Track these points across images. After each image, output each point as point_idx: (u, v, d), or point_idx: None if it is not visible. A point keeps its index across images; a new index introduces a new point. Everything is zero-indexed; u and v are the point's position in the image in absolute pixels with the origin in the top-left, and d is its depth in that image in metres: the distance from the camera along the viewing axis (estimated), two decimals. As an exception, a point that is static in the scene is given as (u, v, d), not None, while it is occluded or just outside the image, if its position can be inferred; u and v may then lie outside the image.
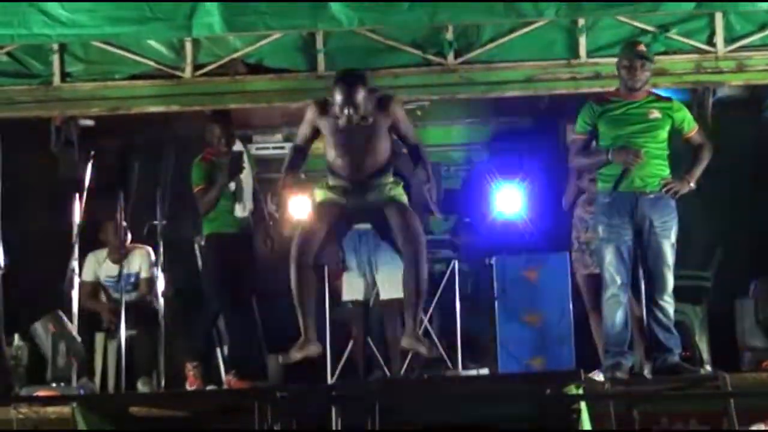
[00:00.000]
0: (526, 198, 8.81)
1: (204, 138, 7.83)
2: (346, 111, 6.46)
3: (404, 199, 6.71)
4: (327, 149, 6.75)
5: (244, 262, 7.74)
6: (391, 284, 7.30)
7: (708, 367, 7.37)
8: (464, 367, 8.05)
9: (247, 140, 9.63)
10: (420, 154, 6.72)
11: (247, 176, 7.83)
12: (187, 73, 7.75)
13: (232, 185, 7.72)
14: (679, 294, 6.85)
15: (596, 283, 7.00)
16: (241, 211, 7.78)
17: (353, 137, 6.59)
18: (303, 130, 6.80)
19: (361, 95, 6.47)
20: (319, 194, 6.76)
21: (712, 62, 7.52)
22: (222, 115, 7.86)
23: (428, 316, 8.09)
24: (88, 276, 8.01)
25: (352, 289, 7.70)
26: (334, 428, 5.73)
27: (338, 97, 6.48)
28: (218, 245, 7.67)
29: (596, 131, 6.79)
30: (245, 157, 7.79)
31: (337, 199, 6.67)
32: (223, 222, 7.72)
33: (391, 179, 6.70)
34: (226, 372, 7.66)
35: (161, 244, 7.44)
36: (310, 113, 6.73)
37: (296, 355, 6.65)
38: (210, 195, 7.62)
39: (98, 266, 8.19)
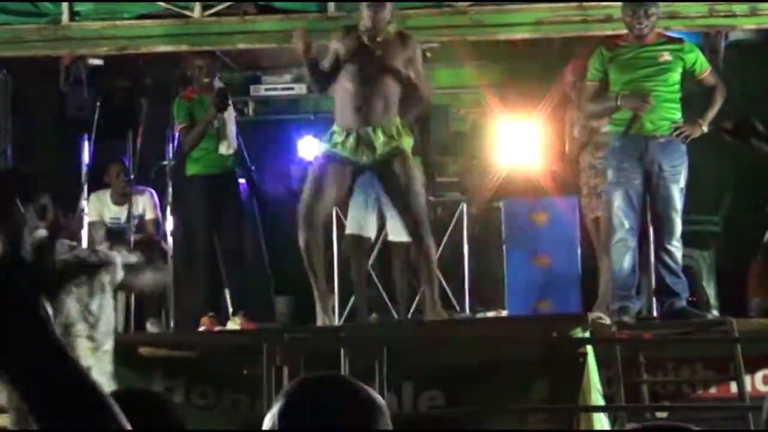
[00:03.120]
0: (535, 141, 8.78)
1: (185, 76, 7.82)
2: (369, 21, 6.48)
3: (408, 149, 6.66)
4: (338, 85, 6.68)
5: (229, 203, 7.75)
6: (399, 228, 7.29)
7: (715, 312, 7.39)
8: (472, 310, 8.07)
9: (256, 81, 9.61)
10: (418, 102, 6.71)
11: (232, 117, 7.81)
12: (196, 12, 7.70)
13: (215, 122, 7.68)
14: (687, 239, 6.85)
15: (606, 226, 7.03)
16: (225, 148, 7.75)
17: (368, 64, 6.53)
18: (327, 58, 6.75)
19: (386, 10, 6.53)
20: (324, 146, 6.68)
21: (725, 5, 7.45)
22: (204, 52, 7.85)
23: (437, 257, 8.10)
24: (92, 216, 8.04)
25: (356, 223, 7.65)
26: (342, 370, 5.77)
27: (364, 11, 6.54)
28: (202, 187, 7.67)
29: (608, 77, 6.75)
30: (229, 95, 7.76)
31: (343, 156, 6.59)
32: (207, 163, 7.70)
33: (398, 122, 6.66)
34: (234, 313, 7.69)
35: (170, 184, 7.45)
36: (334, 39, 6.71)
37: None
38: (194, 132, 7.59)
39: (102, 207, 8.19)
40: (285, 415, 1.96)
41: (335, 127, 6.64)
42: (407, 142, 6.63)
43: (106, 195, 8.20)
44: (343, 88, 6.62)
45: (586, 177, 7.38)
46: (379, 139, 6.51)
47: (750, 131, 4.85)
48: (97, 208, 8.13)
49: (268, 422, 1.98)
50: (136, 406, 2.22)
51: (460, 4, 7.62)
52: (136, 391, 2.65)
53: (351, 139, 6.51)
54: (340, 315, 7.86)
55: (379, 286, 8.01)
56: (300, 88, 9.38)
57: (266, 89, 9.60)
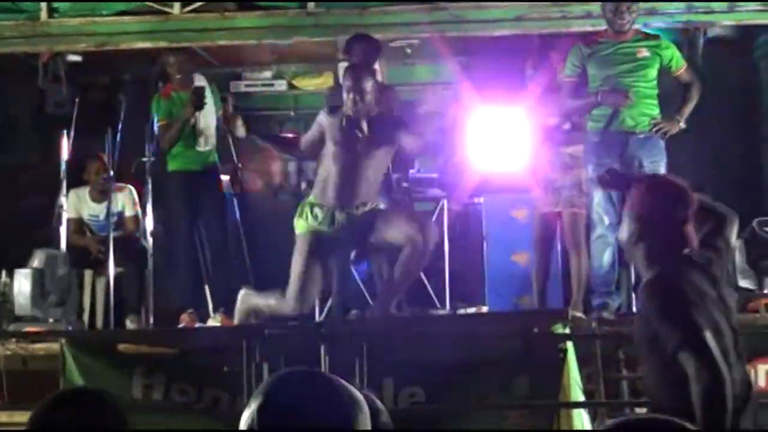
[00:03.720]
0: (516, 137, 8.77)
1: (165, 72, 7.81)
2: (352, 96, 6.43)
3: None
4: (323, 160, 6.65)
5: (209, 199, 7.74)
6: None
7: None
8: (452, 307, 8.07)
9: (236, 77, 9.59)
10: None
11: (210, 113, 7.78)
12: (176, 9, 7.68)
13: (193, 120, 7.66)
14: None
15: (547, 221, 7.07)
16: (203, 143, 7.74)
17: (352, 148, 6.48)
18: (310, 132, 6.71)
19: (369, 84, 6.47)
20: (301, 225, 6.60)
21: (703, 2, 7.48)
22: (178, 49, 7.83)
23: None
24: (70, 213, 8.00)
25: None
26: (322, 366, 5.76)
27: (346, 83, 6.50)
28: (183, 183, 7.66)
29: (586, 73, 6.77)
30: (208, 93, 7.72)
31: (326, 234, 6.54)
32: (187, 159, 7.69)
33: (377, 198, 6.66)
34: (214, 310, 7.67)
35: (150, 180, 7.43)
36: (321, 115, 6.65)
37: None
38: (172, 131, 7.58)
39: (80, 204, 8.16)
40: (264, 411, 1.95)
41: (313, 199, 6.59)
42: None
43: (85, 192, 8.16)
44: (325, 167, 6.58)
45: (543, 171, 7.30)
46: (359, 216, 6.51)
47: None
48: (76, 204, 8.08)
49: (246, 419, 1.97)
50: (80, 406, 2.22)
51: (440, 0, 7.62)
52: (81, 391, 2.64)
53: (330, 217, 6.49)
54: (321, 311, 7.85)
55: (360, 283, 8.00)
56: (280, 84, 9.38)
57: (246, 85, 9.59)
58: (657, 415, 1.92)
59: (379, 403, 2.57)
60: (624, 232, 4.05)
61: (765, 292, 7.20)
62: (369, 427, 2.00)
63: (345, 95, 6.50)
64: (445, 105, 8.76)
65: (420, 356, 6.27)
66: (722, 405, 3.65)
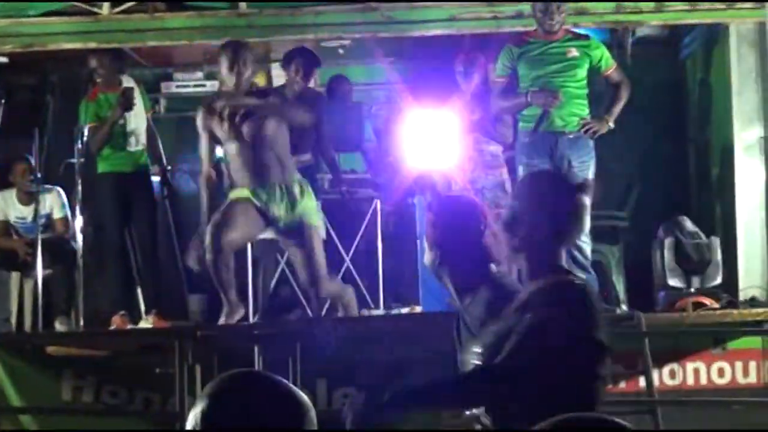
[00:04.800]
0: (448, 137, 8.80)
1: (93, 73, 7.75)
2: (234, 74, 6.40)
3: (315, 218, 6.55)
4: (228, 154, 6.60)
5: (140, 200, 7.68)
6: None
7: (624, 307, 7.49)
8: (386, 307, 8.08)
9: (167, 78, 9.52)
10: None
11: (140, 113, 7.73)
12: (105, 9, 7.61)
13: (123, 121, 7.60)
14: (595, 234, 6.93)
15: None
16: (134, 144, 7.68)
17: (244, 124, 6.44)
18: (202, 144, 6.62)
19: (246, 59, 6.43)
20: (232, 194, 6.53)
21: (631, 2, 7.56)
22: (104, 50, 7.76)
23: (350, 255, 8.11)
24: None
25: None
26: (256, 367, 5.74)
27: (223, 70, 6.47)
28: (113, 184, 7.60)
29: (517, 73, 6.81)
30: (137, 93, 7.67)
31: (256, 203, 6.44)
32: (117, 160, 7.63)
33: (298, 180, 6.57)
34: (146, 312, 7.61)
35: (79, 182, 7.35)
36: (199, 119, 6.55)
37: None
38: (100, 133, 7.51)
39: (6, 206, 8.05)
40: (209, 413, 1.94)
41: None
42: (311, 206, 6.55)
43: (11, 194, 8.05)
44: (232, 155, 6.52)
45: (462, 170, 7.28)
46: (284, 199, 6.43)
47: None
48: (2, 207, 7.99)
49: (191, 421, 1.95)
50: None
51: (372, 0, 7.63)
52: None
53: (260, 193, 6.43)
54: (254, 312, 7.82)
55: (294, 284, 7.98)
56: (212, 85, 9.31)
57: (177, 86, 9.51)
58: (595, 414, 1.92)
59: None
60: (426, 258, 4.07)
61: (692, 290, 7.30)
62: (315, 428, 2.00)
63: (225, 72, 6.46)
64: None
65: (354, 356, 6.27)
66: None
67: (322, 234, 6.55)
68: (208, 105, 6.54)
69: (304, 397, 2.00)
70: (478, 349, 3.23)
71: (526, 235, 3.23)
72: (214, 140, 6.55)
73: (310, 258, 6.41)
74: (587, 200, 3.37)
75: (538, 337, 3.05)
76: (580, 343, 3.09)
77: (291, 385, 2.01)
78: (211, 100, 6.58)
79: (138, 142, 7.70)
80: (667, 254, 7.50)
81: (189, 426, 1.95)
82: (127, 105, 7.48)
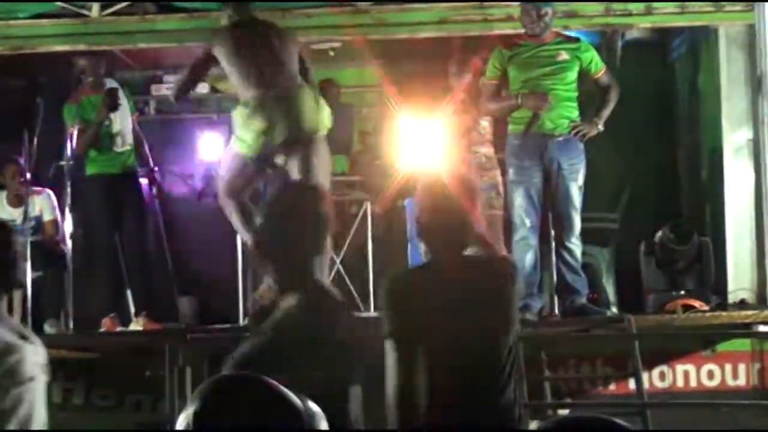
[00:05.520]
0: (439, 140, 8.81)
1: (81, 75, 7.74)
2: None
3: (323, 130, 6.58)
4: (234, 81, 6.60)
5: (130, 202, 7.67)
6: None
7: (614, 309, 7.50)
8: (376, 309, 8.07)
9: (157, 80, 9.51)
10: None
11: (126, 115, 7.72)
12: (95, 12, 7.60)
13: (106, 121, 7.58)
14: (586, 236, 6.94)
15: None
16: (121, 144, 7.67)
17: (254, 45, 6.49)
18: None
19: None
20: (240, 145, 6.50)
21: (621, 5, 7.58)
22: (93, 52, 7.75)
23: (340, 257, 8.11)
24: None
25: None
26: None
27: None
28: (102, 186, 7.59)
29: (507, 76, 6.81)
30: (122, 94, 7.66)
31: (258, 150, 6.45)
32: (106, 162, 7.62)
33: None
34: (136, 314, 7.60)
35: (68, 184, 7.34)
36: (202, 51, 6.66)
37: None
38: (86, 135, 7.49)
39: None
40: (201, 415, 1.94)
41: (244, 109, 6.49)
42: (323, 119, 6.57)
43: (1, 196, 8.04)
44: (240, 80, 6.51)
45: (455, 172, 7.27)
46: (292, 112, 6.39)
47: None
48: (-9, 209, 7.98)
49: (182, 423, 1.95)
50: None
51: (362, 3, 7.63)
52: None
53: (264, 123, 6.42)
54: (244, 314, 7.82)
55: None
56: (202, 87, 9.30)
57: (167, 88, 9.49)
58: (596, 415, 1.93)
59: (315, 406, 2.57)
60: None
61: (682, 293, 7.31)
62: (307, 429, 2.00)
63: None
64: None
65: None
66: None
67: None
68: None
69: (296, 398, 2.00)
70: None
71: (275, 247, 3.26)
72: None
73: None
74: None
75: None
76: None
77: (283, 387, 2.01)
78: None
79: (124, 143, 7.70)
80: (657, 256, 7.52)
81: (180, 426, 1.95)
82: (113, 105, 7.47)
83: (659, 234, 7.56)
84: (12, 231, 3.80)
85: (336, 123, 8.61)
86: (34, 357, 3.72)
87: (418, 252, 8.00)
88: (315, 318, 3.27)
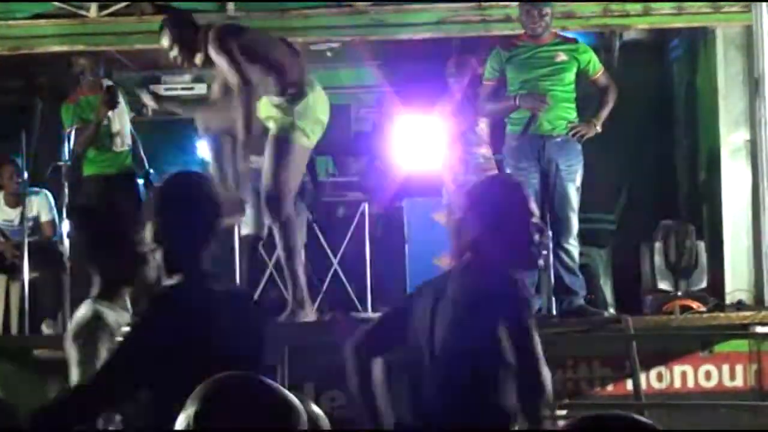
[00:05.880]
0: (436, 140, 8.82)
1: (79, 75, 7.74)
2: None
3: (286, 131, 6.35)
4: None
5: (128, 202, 7.66)
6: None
7: (612, 310, 7.50)
8: (374, 310, 8.07)
9: (155, 81, 9.50)
10: None
11: (124, 115, 7.72)
12: (92, 12, 7.60)
13: (105, 121, 7.58)
14: (584, 237, 6.94)
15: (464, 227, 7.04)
16: (120, 144, 7.67)
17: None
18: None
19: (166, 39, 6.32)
20: (310, 137, 6.32)
21: (618, 6, 7.58)
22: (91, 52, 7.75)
23: (337, 259, 8.10)
24: None
25: (246, 223, 7.55)
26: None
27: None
28: (100, 186, 7.59)
29: (505, 77, 6.82)
30: (119, 93, 7.66)
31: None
32: (103, 162, 7.62)
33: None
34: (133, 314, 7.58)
35: (66, 184, 7.33)
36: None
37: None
38: (85, 134, 7.49)
39: None
40: (202, 415, 1.94)
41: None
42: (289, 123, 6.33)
43: (-2, 196, 8.05)
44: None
45: (454, 173, 7.27)
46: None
47: None
48: (-12, 209, 7.98)
49: (182, 423, 1.95)
50: None
51: (360, 3, 7.64)
52: None
53: None
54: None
55: (282, 287, 7.97)
56: (200, 88, 9.30)
57: (166, 89, 9.48)
58: (618, 412, 1.94)
59: (317, 408, 2.57)
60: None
61: (679, 294, 7.31)
62: (306, 430, 2.00)
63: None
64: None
65: (340, 360, 6.25)
66: None
67: None
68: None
69: (296, 400, 2.00)
70: None
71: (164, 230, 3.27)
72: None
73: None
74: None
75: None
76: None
77: (283, 388, 2.01)
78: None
79: (123, 143, 7.70)
80: (655, 258, 7.52)
81: (179, 426, 1.95)
82: (112, 102, 7.47)
83: (657, 235, 7.56)
84: None
85: (333, 125, 8.62)
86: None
87: (415, 253, 8.04)
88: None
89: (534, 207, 3.72)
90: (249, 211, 7.45)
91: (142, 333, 3.16)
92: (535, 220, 3.67)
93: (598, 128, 6.84)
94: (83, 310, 3.75)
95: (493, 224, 3.62)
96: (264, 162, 6.23)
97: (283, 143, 6.18)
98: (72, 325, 3.76)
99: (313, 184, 8.14)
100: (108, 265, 3.79)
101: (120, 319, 3.75)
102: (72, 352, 3.66)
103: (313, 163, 7.97)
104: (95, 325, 3.68)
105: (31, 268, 7.23)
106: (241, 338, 3.24)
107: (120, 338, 3.40)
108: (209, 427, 1.94)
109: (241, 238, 7.53)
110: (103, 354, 3.53)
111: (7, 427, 2.40)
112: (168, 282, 3.28)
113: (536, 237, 3.66)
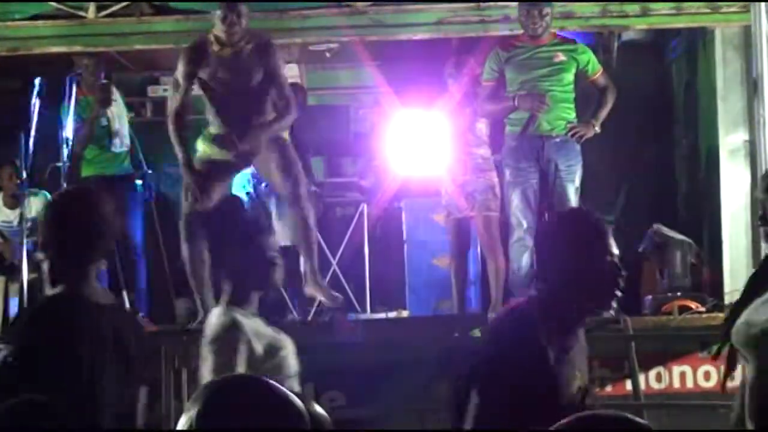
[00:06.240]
0: (435, 141, 8.82)
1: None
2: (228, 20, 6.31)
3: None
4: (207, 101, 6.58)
5: (126, 204, 7.67)
6: (284, 231, 7.22)
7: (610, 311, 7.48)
8: (373, 311, 8.08)
9: (153, 82, 9.50)
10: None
11: (122, 115, 7.72)
12: (91, 13, 7.59)
13: (104, 121, 7.58)
14: (583, 237, 6.92)
15: (463, 227, 7.07)
16: (119, 144, 7.67)
17: (232, 77, 6.49)
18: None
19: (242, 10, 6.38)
20: (201, 146, 6.56)
21: (617, 6, 7.58)
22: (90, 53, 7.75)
23: (336, 259, 8.10)
24: None
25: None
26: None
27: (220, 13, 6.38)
28: (98, 188, 7.57)
29: (504, 77, 6.81)
30: (115, 90, 7.65)
31: (219, 155, 6.47)
32: (102, 163, 7.62)
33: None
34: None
35: (65, 186, 7.32)
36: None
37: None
38: (83, 130, 7.49)
39: None
40: (204, 416, 1.95)
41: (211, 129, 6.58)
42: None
43: (-3, 197, 8.05)
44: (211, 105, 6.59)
45: (453, 173, 7.25)
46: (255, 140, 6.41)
47: None
48: (-13, 210, 7.98)
49: (184, 423, 1.95)
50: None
51: (359, 3, 7.63)
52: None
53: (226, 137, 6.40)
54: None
55: (281, 289, 7.97)
56: (198, 89, 9.28)
57: (164, 90, 9.49)
58: (611, 412, 1.94)
59: (320, 408, 2.57)
60: None
61: (678, 294, 7.31)
62: (309, 430, 2.00)
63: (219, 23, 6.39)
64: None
65: (340, 361, 6.27)
66: None
67: None
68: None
69: (298, 401, 2.00)
70: None
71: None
72: None
73: (285, 162, 6.48)
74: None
75: None
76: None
77: (284, 389, 2.01)
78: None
79: (122, 144, 7.70)
80: (654, 257, 7.52)
81: (181, 427, 1.96)
82: (105, 99, 7.46)
83: (656, 235, 7.56)
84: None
85: (332, 125, 8.64)
86: (294, 350, 3.79)
87: (414, 254, 8.05)
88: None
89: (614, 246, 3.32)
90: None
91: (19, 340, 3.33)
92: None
93: (597, 129, 6.84)
94: (221, 318, 3.77)
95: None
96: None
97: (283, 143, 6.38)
98: (209, 330, 3.79)
99: (312, 185, 8.14)
100: (238, 270, 3.83)
101: (254, 325, 3.78)
102: (208, 357, 3.69)
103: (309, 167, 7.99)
104: (234, 334, 3.70)
105: (30, 269, 7.22)
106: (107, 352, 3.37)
107: (245, 345, 3.42)
108: (211, 428, 1.94)
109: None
110: (241, 362, 3.57)
111: (50, 428, 2.40)
112: (49, 292, 3.48)
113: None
